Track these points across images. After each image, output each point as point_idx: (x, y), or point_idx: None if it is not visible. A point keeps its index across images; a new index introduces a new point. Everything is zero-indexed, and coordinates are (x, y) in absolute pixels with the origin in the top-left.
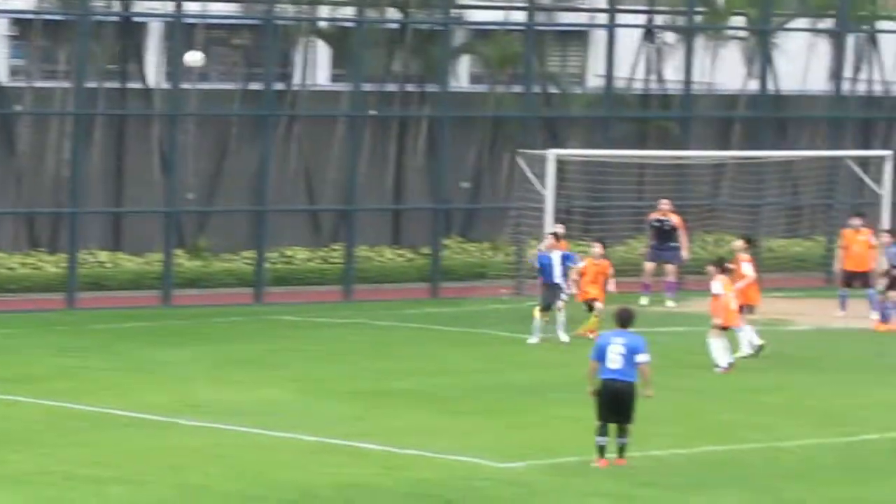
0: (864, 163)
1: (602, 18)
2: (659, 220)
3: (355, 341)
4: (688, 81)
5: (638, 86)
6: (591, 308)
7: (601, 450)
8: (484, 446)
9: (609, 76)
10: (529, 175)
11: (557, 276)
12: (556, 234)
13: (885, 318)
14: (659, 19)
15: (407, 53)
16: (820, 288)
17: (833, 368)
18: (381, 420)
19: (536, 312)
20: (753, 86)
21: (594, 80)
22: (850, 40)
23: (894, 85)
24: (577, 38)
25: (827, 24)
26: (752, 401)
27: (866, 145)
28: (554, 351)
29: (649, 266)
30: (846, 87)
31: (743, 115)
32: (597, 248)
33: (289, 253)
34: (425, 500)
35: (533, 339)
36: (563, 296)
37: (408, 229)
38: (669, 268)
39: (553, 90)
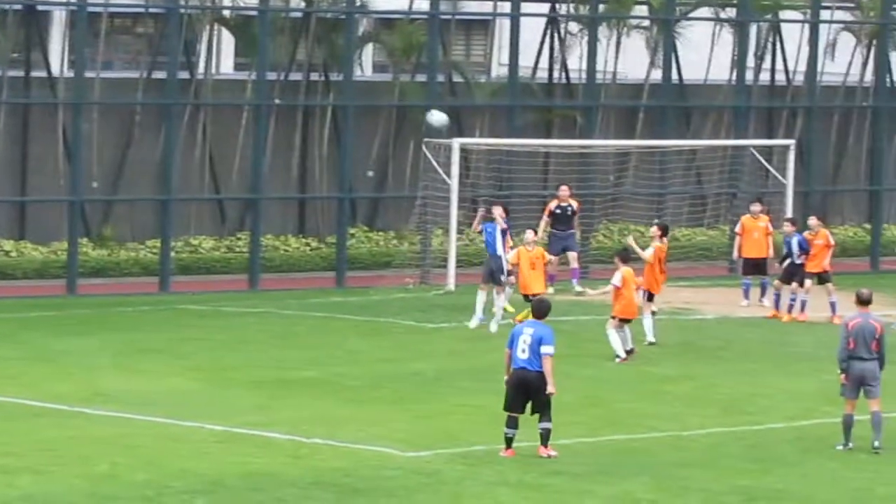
0: (767, 152)
1: (506, 7)
2: (560, 207)
3: (261, 330)
4: (592, 70)
5: (542, 75)
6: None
7: (508, 441)
8: (391, 435)
9: (513, 65)
10: (434, 164)
11: (499, 249)
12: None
13: (788, 309)
14: (563, 8)
15: (311, 42)
16: (724, 277)
17: (738, 357)
18: (287, 409)
19: (479, 292)
20: (657, 75)
21: (498, 69)
22: (753, 30)
23: (797, 74)
24: (481, 26)
25: (730, 13)
26: (658, 390)
27: (770, 134)
28: (460, 340)
29: (553, 259)
30: (749, 76)
31: (647, 105)
32: (529, 235)
33: (194, 242)
34: (332, 489)
35: (473, 323)
36: (504, 275)
37: (313, 218)
38: (572, 255)
39: (457, 79)
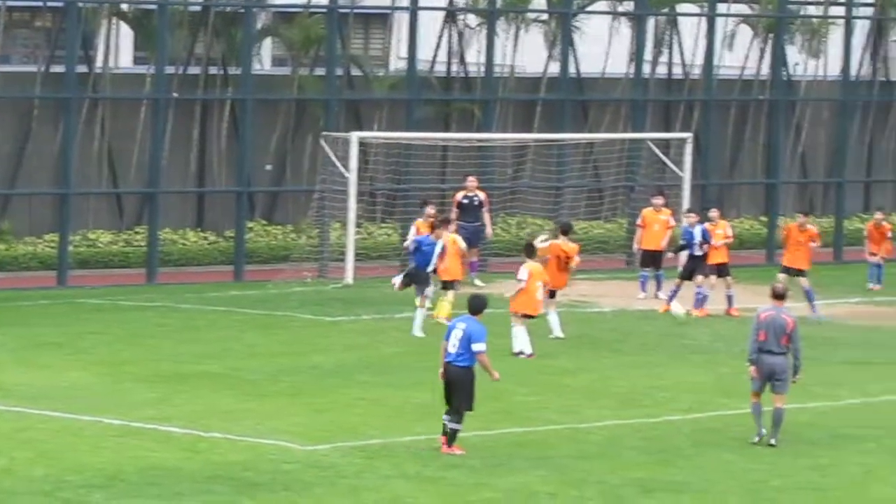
0: (665, 145)
1: (404, 1)
2: (467, 197)
3: (159, 325)
4: (490, 64)
5: (441, 68)
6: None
7: (448, 433)
8: (289, 429)
9: (412, 59)
10: (333, 158)
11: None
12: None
13: (695, 304)
14: (461, 2)
15: (210, 36)
16: (621, 270)
17: (635, 350)
18: (185, 403)
19: (419, 303)
20: (555, 68)
21: (397, 63)
22: (651, 23)
23: (694, 67)
24: (379, 20)
25: (627, 7)
26: (555, 383)
27: (667, 127)
28: (358, 333)
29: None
30: (647, 69)
31: (545, 98)
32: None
33: (92, 236)
34: (230, 483)
35: (419, 333)
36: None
37: (211, 212)
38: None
39: (356, 73)
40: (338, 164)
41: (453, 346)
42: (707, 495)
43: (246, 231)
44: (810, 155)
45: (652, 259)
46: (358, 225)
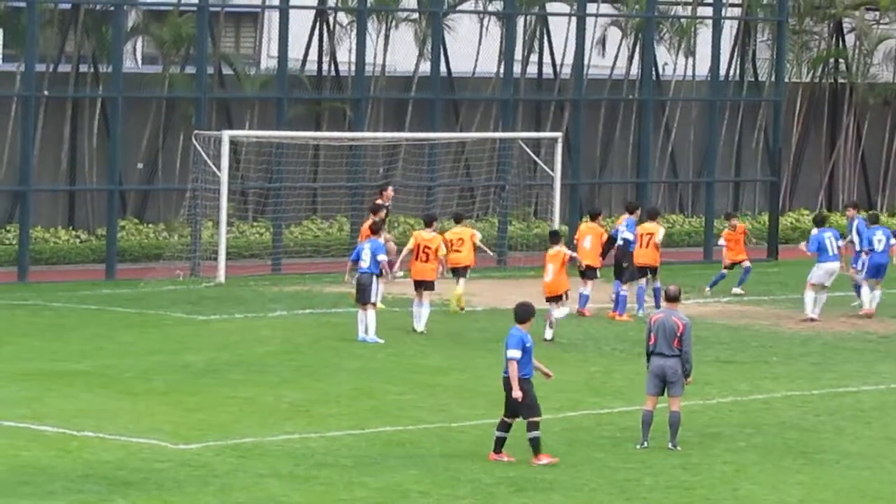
0: (535, 144)
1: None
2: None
3: (31, 323)
4: (361, 63)
5: (312, 67)
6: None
7: (496, 442)
8: (161, 428)
9: (282, 57)
10: (204, 156)
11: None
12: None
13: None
14: (331, 1)
15: (80, 34)
16: (493, 269)
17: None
18: (57, 402)
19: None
20: (426, 67)
21: (268, 61)
22: (521, 22)
23: (564, 67)
24: (250, 18)
25: (497, 6)
26: (427, 382)
27: (537, 127)
28: (230, 332)
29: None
30: (517, 69)
31: (416, 97)
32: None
33: None
34: (103, 481)
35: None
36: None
37: (83, 210)
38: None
39: (227, 71)
40: (209, 162)
41: (504, 357)
42: (579, 493)
43: (118, 229)
44: (680, 154)
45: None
46: (230, 223)
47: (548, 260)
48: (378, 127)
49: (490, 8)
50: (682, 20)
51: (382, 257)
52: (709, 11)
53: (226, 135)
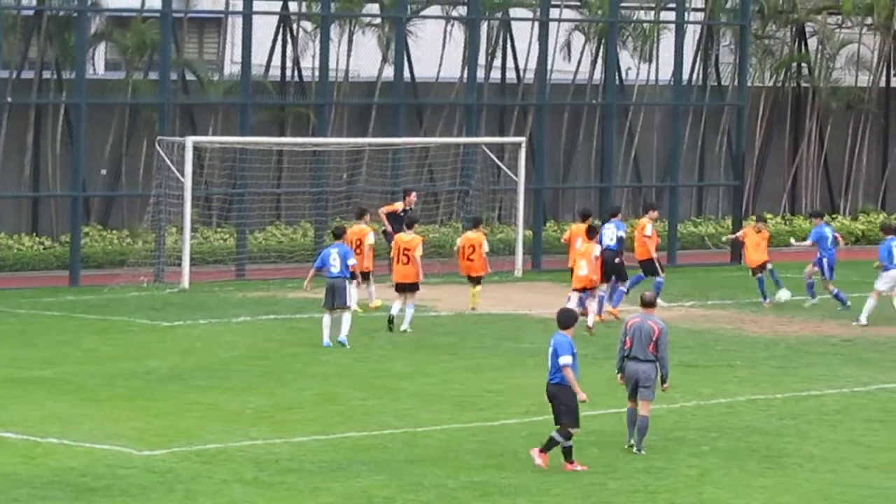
0: (499, 149)
1: (238, 5)
2: (405, 211)
3: None
4: (324, 68)
5: (275, 73)
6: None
7: (565, 452)
8: (126, 434)
9: (246, 63)
10: (168, 162)
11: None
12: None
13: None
14: (295, 6)
15: (43, 40)
16: (456, 274)
17: (472, 354)
18: (21, 409)
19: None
20: (390, 73)
21: (231, 67)
22: (484, 28)
23: (528, 72)
24: (213, 24)
25: (460, 11)
26: (391, 387)
27: (501, 132)
28: (194, 338)
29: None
30: (481, 74)
31: (380, 102)
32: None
33: None
34: (67, 488)
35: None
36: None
37: (46, 217)
38: None
39: (190, 77)
40: (173, 168)
41: (550, 363)
42: (545, 498)
43: (82, 236)
44: (643, 159)
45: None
46: (194, 229)
47: (579, 256)
48: (342, 132)
49: (453, 13)
50: (645, 25)
51: (353, 261)
52: (672, 16)
53: (189, 141)
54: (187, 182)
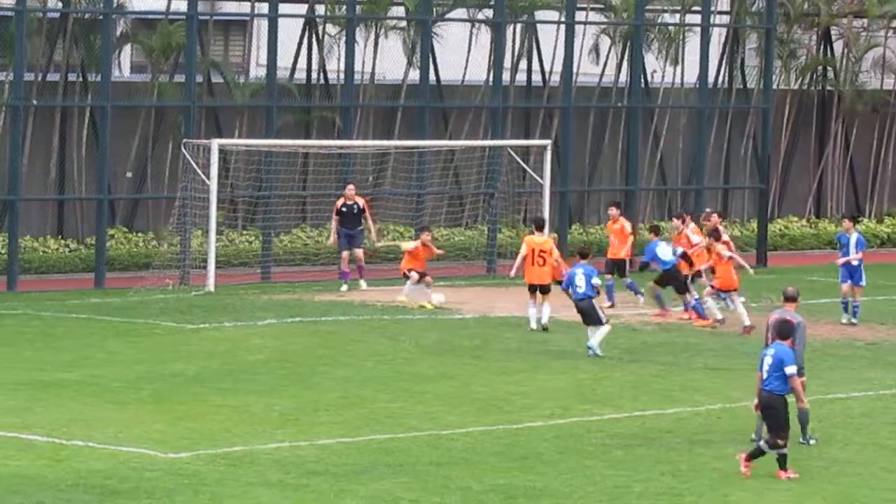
0: (524, 152)
1: (264, 8)
2: (346, 205)
3: (20, 332)
4: (350, 71)
5: (301, 75)
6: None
7: (780, 460)
8: (151, 437)
9: (271, 66)
10: (193, 165)
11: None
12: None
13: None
14: (320, 9)
15: (69, 43)
16: (482, 276)
17: (496, 357)
18: (46, 411)
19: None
20: (415, 75)
21: (257, 70)
22: (510, 30)
23: (553, 75)
24: (239, 27)
25: (486, 14)
26: (416, 390)
27: (527, 135)
28: (219, 340)
29: (345, 255)
30: (506, 77)
31: (405, 105)
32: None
33: None
34: (93, 491)
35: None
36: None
37: (72, 219)
38: (358, 252)
39: (216, 79)
40: (198, 171)
41: (765, 372)
42: (568, 501)
43: (107, 238)
44: (668, 162)
45: (613, 265)
46: (219, 232)
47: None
48: (367, 135)
49: (479, 16)
50: (671, 28)
51: (597, 280)
52: (697, 19)
53: (215, 143)
54: (213, 185)
